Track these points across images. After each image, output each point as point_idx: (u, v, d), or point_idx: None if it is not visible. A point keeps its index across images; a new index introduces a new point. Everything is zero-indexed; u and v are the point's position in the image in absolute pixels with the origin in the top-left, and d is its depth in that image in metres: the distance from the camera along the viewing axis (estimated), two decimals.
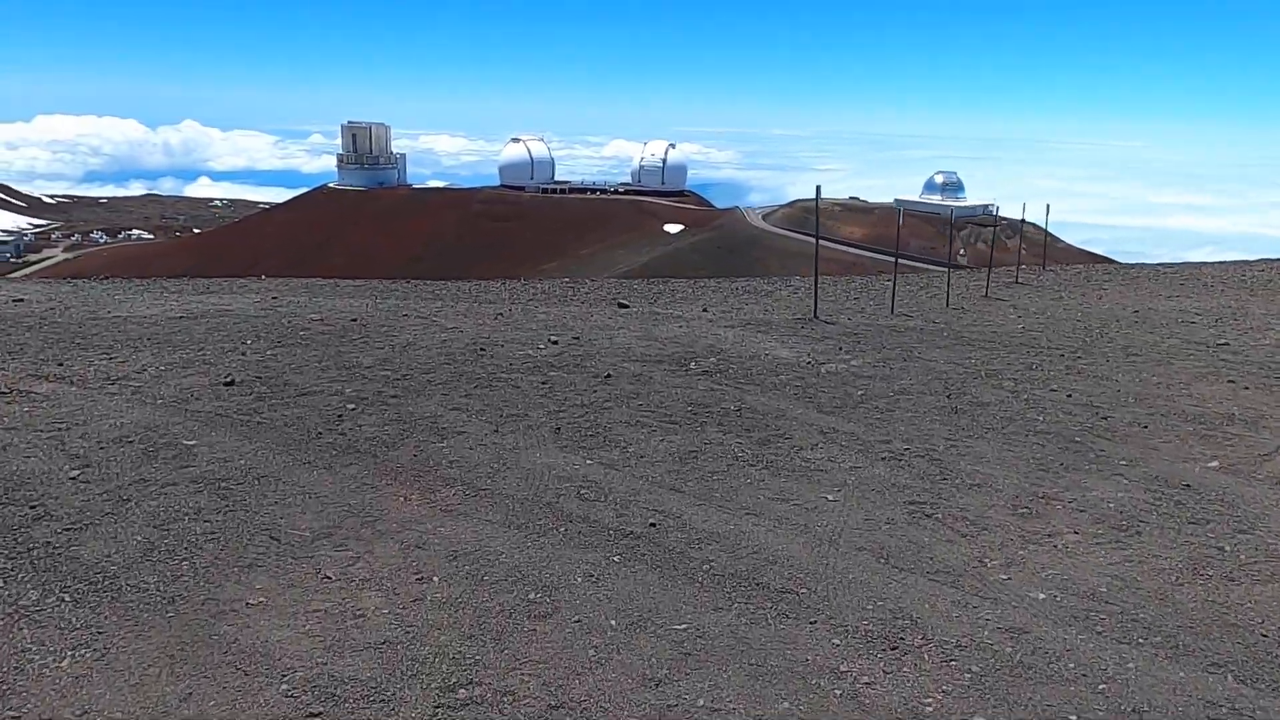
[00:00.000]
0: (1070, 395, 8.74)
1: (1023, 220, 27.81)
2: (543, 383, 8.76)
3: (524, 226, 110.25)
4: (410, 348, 10.12)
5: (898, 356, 10.16)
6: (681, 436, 7.36)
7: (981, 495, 6.29)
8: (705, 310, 14.90)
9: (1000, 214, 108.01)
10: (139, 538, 5.40)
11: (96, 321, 11.17)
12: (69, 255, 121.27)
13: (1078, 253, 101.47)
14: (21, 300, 12.53)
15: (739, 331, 11.42)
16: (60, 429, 7.23)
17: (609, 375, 9.01)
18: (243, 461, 6.63)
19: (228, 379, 8.57)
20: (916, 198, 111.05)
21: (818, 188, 13.79)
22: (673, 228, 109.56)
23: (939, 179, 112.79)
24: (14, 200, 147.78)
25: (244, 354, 9.69)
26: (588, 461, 6.76)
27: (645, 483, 6.37)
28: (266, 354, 9.73)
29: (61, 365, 9.04)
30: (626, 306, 13.97)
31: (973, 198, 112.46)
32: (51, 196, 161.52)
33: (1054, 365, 10.03)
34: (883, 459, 6.96)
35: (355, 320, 11.51)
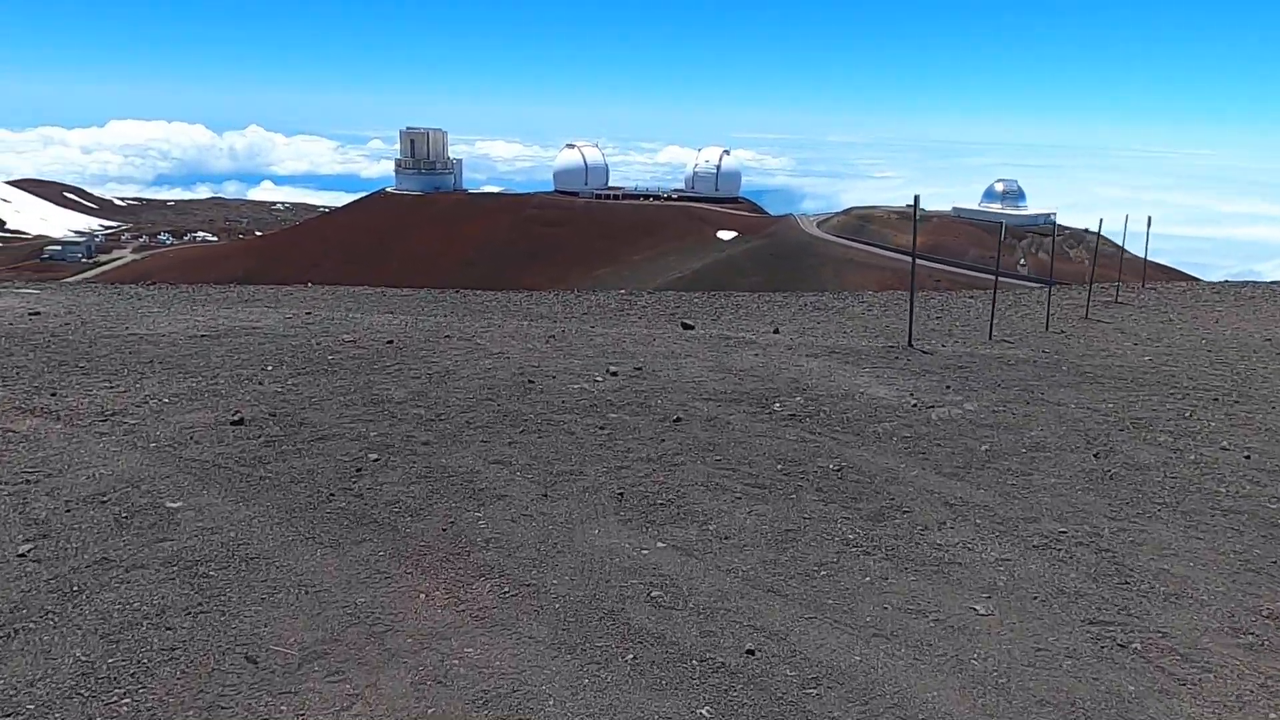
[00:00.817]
0: (1249, 456, 7.05)
1: (1098, 234, 25.87)
2: (601, 427, 7.31)
3: (577, 232, 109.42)
4: (449, 378, 8.74)
5: (1017, 397, 8.53)
6: (773, 506, 5.85)
7: (1184, 611, 4.69)
8: (778, 331, 13.35)
9: (1060, 223, 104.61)
10: (77, 654, 4.06)
11: (110, 340, 10.00)
12: (137, 256, 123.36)
13: (1143, 264, 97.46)
14: (38, 314, 11.45)
15: (824, 362, 9.86)
16: (28, 482, 5.96)
17: (679, 418, 7.53)
18: (232, 533, 5.29)
19: (236, 416, 7.27)
20: (976, 206, 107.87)
21: (915, 198, 12.17)
22: (726, 234, 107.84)
23: (999, 187, 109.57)
24: (87, 202, 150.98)
25: (261, 383, 8.40)
26: (659, 544, 5.29)
27: (734, 579, 4.89)
28: (287, 383, 8.43)
29: (55, 395, 7.83)
30: (691, 327, 12.49)
31: (1033, 206, 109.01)
32: (122, 199, 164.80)
33: (1210, 413, 8.32)
34: (1035, 547, 5.38)
35: (391, 342, 10.19)
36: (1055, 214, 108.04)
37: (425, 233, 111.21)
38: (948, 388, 8.76)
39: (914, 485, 6.29)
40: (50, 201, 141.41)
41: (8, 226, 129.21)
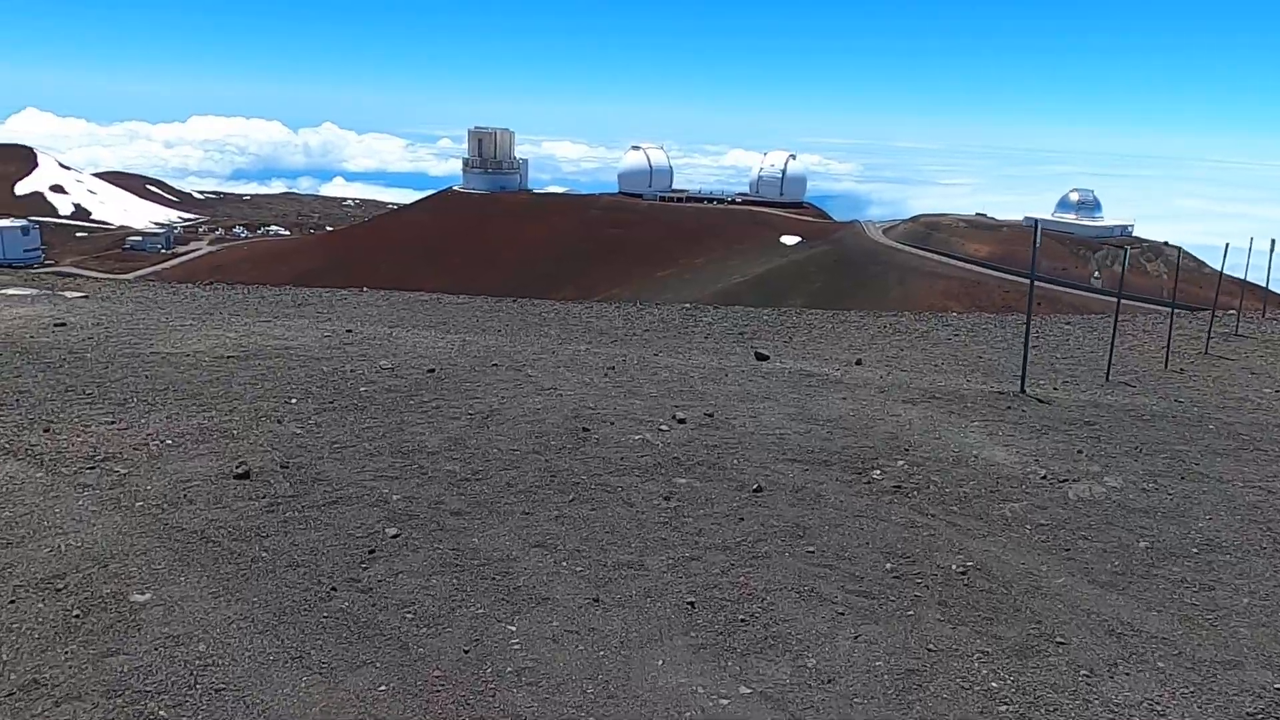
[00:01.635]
0: None
1: (1222, 257, 23.82)
2: (666, 497, 6.03)
3: (640, 233, 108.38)
4: (492, 420, 7.54)
5: (1167, 469, 7.02)
6: (886, 628, 4.52)
7: None
8: (860, 363, 11.93)
9: (1137, 235, 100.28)
10: None
11: (128, 360, 9.03)
12: (212, 248, 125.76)
13: (1227, 280, 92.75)
14: (63, 325, 10.58)
15: (923, 411, 8.43)
16: None
17: (759, 488, 6.22)
18: (202, 645, 4.14)
19: (242, 468, 6.16)
20: (1049, 215, 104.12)
21: (1036, 224, 10.57)
22: (789, 239, 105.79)
23: (1074, 196, 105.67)
24: (168, 195, 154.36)
25: (280, 420, 7.30)
26: (742, 687, 3.99)
27: None
28: (309, 422, 7.32)
29: (48, 431, 6.82)
30: (765, 358, 11.13)
31: (1110, 217, 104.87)
32: (200, 192, 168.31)
33: None
34: (1249, 715, 3.96)
35: (432, 371, 9.04)
36: (1133, 225, 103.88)
37: (490, 231, 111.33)
38: (1079, 452, 7.28)
39: (1064, 600, 4.88)
40: (133, 194, 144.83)
41: (93, 217, 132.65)
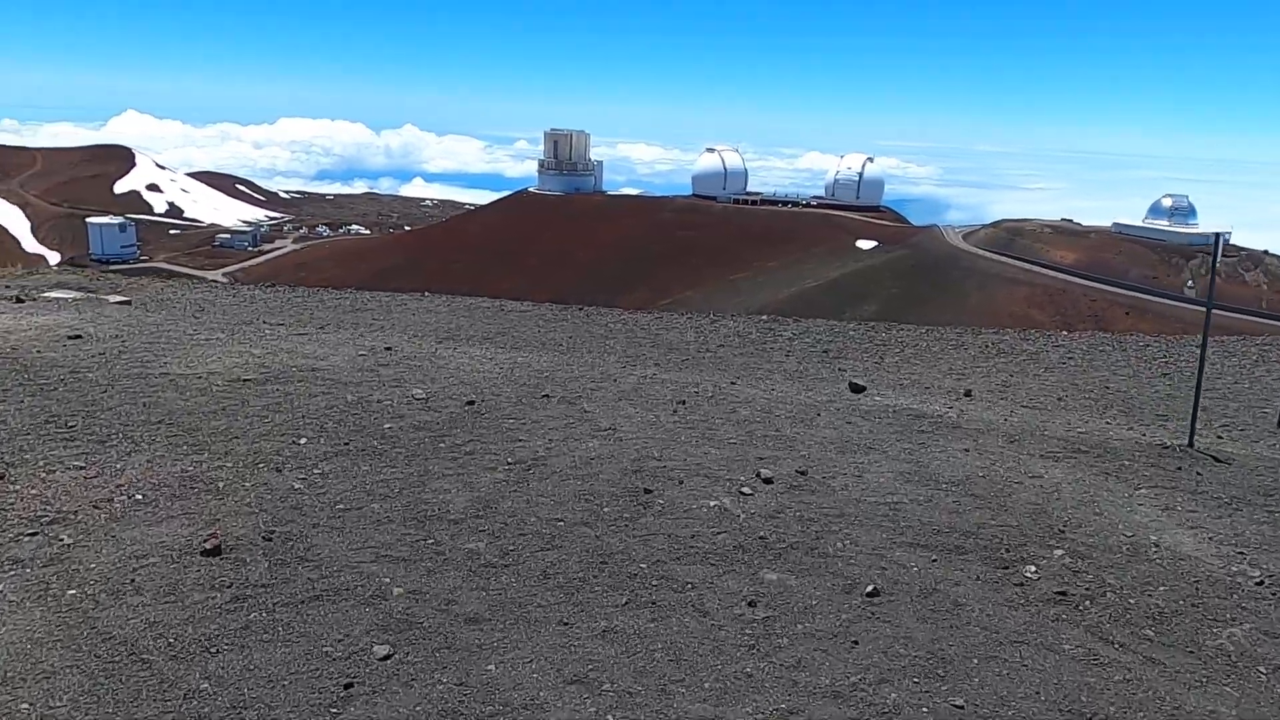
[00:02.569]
0: None
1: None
2: (750, 603, 4.47)
3: (713, 235, 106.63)
4: (535, 473, 6.08)
5: None
6: None
7: None
8: (969, 395, 10.17)
9: (1234, 243, 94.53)
10: None
11: (134, 382, 7.83)
12: (296, 246, 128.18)
13: None
14: (78, 337, 9.48)
15: (1071, 471, 6.70)
16: None
17: (875, 591, 4.62)
18: None
19: (211, 541, 4.81)
20: (1139, 221, 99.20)
21: (1217, 238, 8.68)
22: (865, 244, 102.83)
23: (1167, 202, 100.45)
24: (256, 194, 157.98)
25: (280, 469, 5.96)
26: None
27: None
28: (314, 471, 5.96)
29: (2, 478, 5.60)
30: (862, 389, 9.45)
31: (1205, 225, 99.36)
32: (286, 192, 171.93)
33: None
34: None
35: (471, 404, 7.62)
36: (1230, 233, 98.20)
37: (563, 232, 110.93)
38: None
39: None
40: (224, 193, 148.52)
41: (185, 215, 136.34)
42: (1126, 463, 6.91)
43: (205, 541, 4.84)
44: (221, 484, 5.67)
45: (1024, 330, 17.63)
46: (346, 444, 6.53)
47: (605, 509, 5.53)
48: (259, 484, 5.71)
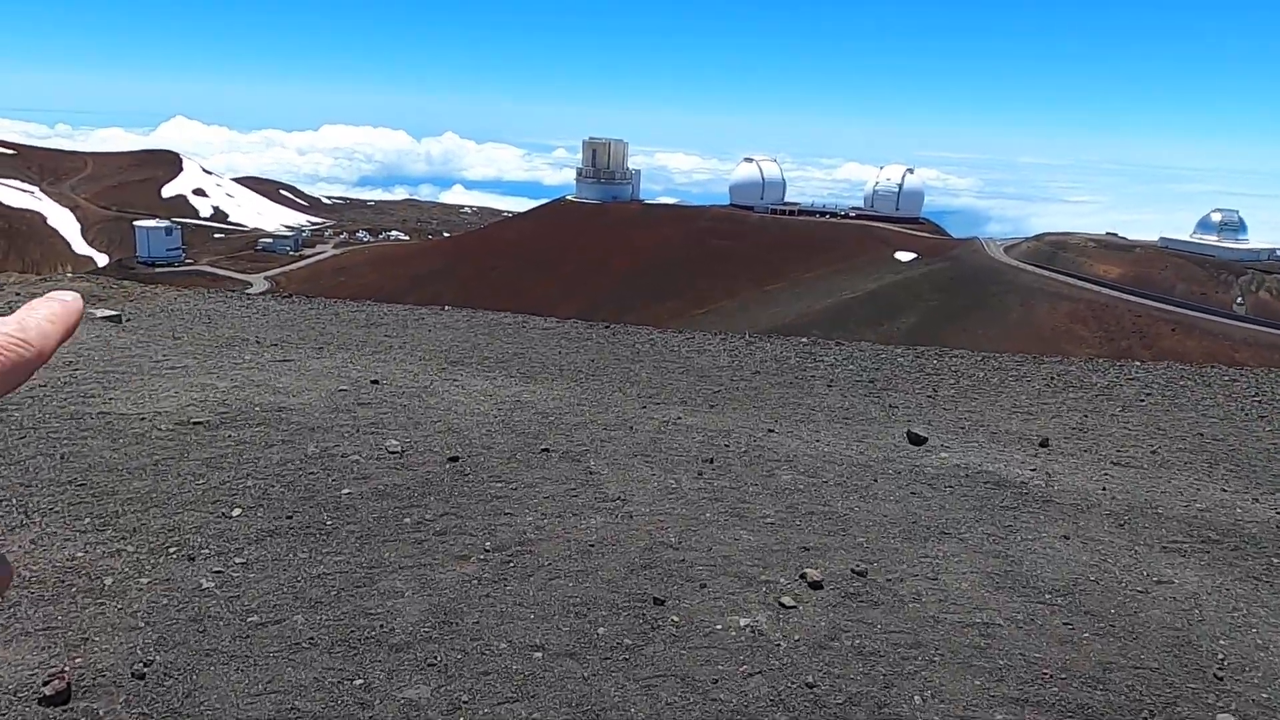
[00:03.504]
0: None
1: None
2: None
3: (749, 246, 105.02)
4: (517, 566, 4.69)
5: None
6: None
7: None
8: (1046, 445, 8.62)
9: None
10: None
11: (63, 425, 6.57)
12: (337, 251, 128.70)
13: None
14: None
15: (1207, 572, 5.16)
16: None
17: None
18: None
19: (56, 683, 3.49)
20: (1187, 236, 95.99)
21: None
22: (904, 255, 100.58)
23: (1216, 217, 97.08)
24: (299, 200, 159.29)
25: (195, 556, 4.63)
26: None
27: None
28: (235, 561, 4.61)
29: None
30: (922, 441, 7.94)
31: (1255, 240, 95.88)
32: (329, 198, 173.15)
33: None
34: None
35: (455, 461, 6.25)
36: None
37: (600, 240, 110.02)
38: None
39: None
40: (267, 198, 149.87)
41: (230, 219, 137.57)
42: (1276, 560, 5.36)
43: (47, 684, 3.51)
44: (110, 580, 4.35)
45: (1091, 359, 15.94)
46: (289, 517, 5.18)
47: (602, 629, 4.12)
48: (159, 580, 4.38)
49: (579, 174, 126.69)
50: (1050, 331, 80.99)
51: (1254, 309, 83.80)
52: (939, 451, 7.66)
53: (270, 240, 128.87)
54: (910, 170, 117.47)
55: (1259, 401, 12.32)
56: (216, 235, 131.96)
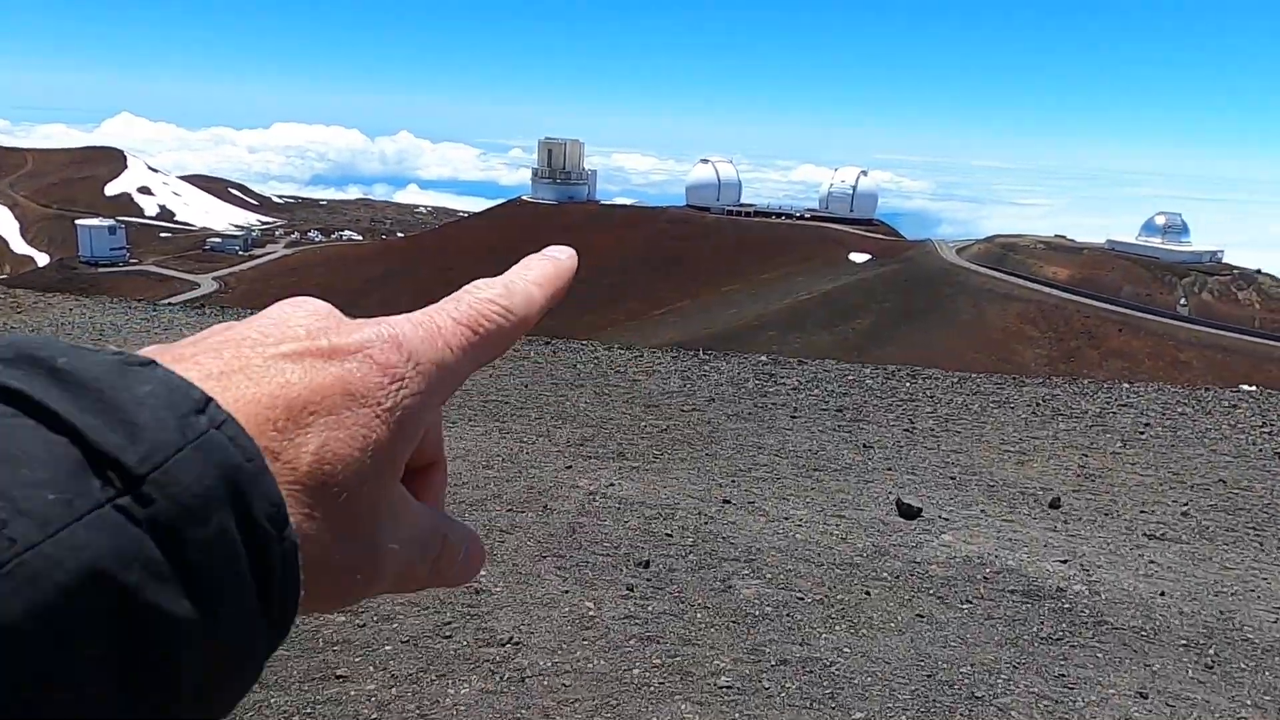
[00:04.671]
0: None
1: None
2: None
3: (706, 247, 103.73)
4: None
5: None
6: None
7: None
8: (1058, 505, 7.00)
9: (1228, 262, 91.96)
10: None
11: None
12: (288, 251, 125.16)
13: None
14: None
15: None
16: None
17: None
18: None
19: None
20: (1133, 239, 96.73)
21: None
22: (858, 257, 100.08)
23: (1160, 220, 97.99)
24: (249, 199, 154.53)
25: None
26: None
27: None
28: None
29: None
30: (915, 514, 6.25)
31: (1198, 243, 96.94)
32: (280, 196, 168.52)
33: None
34: None
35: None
36: (1222, 252, 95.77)
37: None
38: None
39: None
40: (216, 197, 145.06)
41: (177, 218, 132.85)
42: None
43: None
44: None
45: (1074, 379, 14.46)
46: None
47: None
48: None
49: (535, 174, 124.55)
50: (1001, 332, 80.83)
51: (1197, 310, 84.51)
52: (939, 532, 5.96)
53: (219, 240, 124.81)
54: (865, 172, 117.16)
55: (1268, 433, 10.88)
56: (163, 234, 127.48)
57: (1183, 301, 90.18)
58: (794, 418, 10.04)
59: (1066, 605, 4.75)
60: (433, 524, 0.43)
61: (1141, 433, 10.72)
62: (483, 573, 4.64)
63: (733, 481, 6.94)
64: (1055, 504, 7.16)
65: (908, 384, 12.56)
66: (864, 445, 8.81)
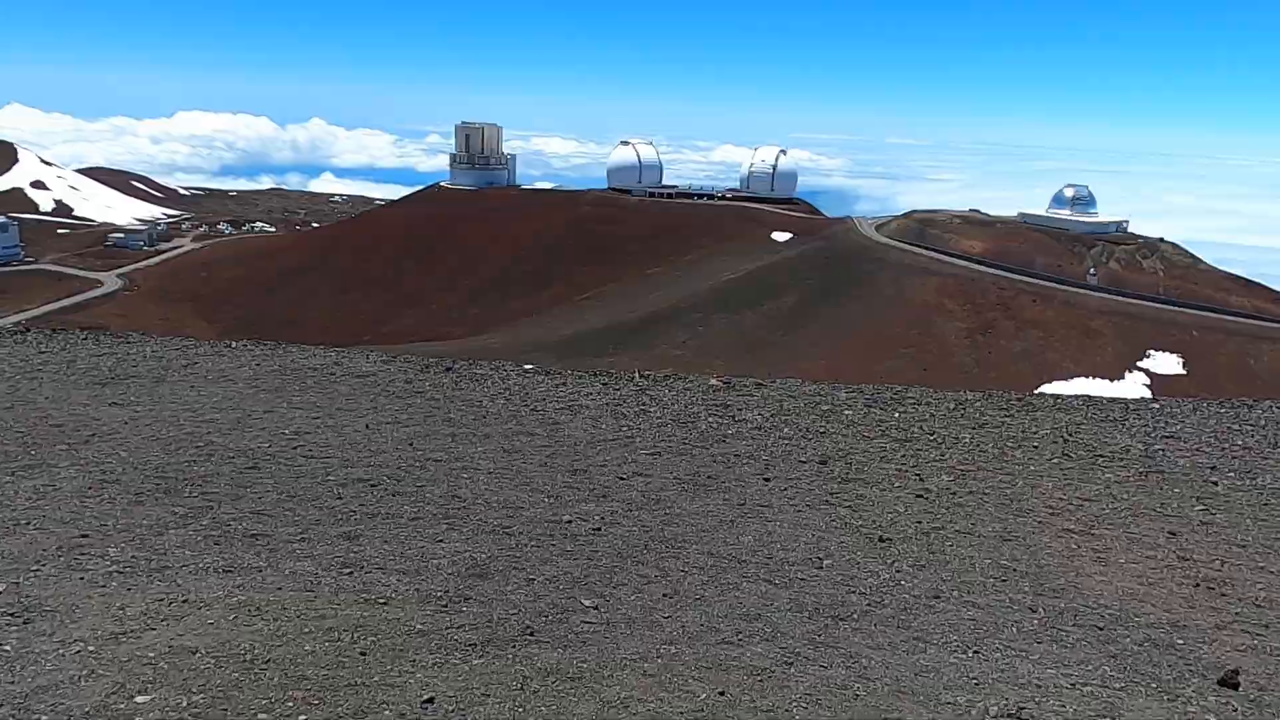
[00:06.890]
0: None
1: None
2: None
3: (629, 229, 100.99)
4: None
5: None
6: None
7: None
8: (1236, 686, 4.62)
9: (1132, 231, 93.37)
10: None
11: None
12: (195, 245, 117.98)
13: (1221, 276, 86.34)
14: None
15: None
16: None
17: None
18: None
19: None
20: (1043, 212, 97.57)
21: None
22: (781, 235, 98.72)
23: (1069, 193, 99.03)
24: (153, 191, 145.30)
25: None
26: None
27: None
28: None
29: None
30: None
31: (1104, 213, 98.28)
32: (186, 188, 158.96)
33: None
34: None
35: None
36: (1128, 222, 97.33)
37: (477, 228, 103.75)
38: None
39: None
40: (117, 190, 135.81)
41: (75, 214, 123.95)
42: None
43: None
44: None
45: (1092, 401, 12.26)
46: None
47: None
48: None
49: (453, 160, 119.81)
50: (921, 305, 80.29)
51: (1105, 279, 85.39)
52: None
53: (121, 235, 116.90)
54: (784, 151, 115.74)
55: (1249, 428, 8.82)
56: (60, 231, 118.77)
57: (1091, 271, 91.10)
58: (767, 481, 7.50)
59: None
60: None
61: (1127, 454, 8.66)
62: None
63: (692, 644, 4.33)
64: (1230, 681, 4.42)
65: (894, 413, 10.15)
66: (874, 536, 6.33)
